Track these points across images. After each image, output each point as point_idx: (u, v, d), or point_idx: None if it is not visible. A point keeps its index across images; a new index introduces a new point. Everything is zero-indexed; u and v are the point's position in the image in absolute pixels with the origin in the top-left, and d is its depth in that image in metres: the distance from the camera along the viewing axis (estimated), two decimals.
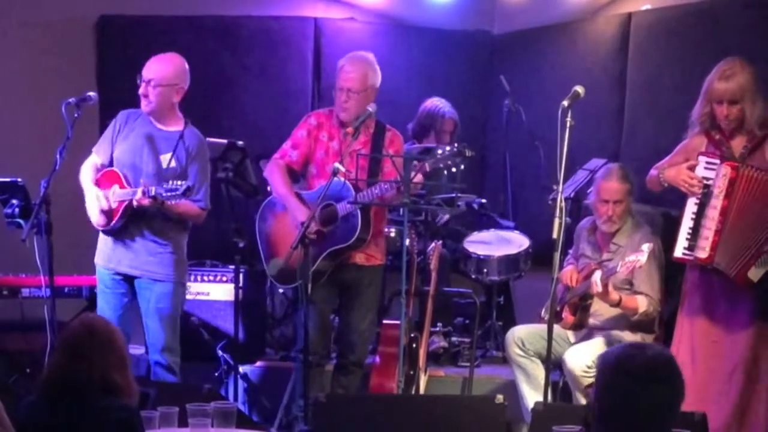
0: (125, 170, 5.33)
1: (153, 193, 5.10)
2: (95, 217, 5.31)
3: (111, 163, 5.42)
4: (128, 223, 5.30)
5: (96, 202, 5.29)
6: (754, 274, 4.68)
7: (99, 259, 5.44)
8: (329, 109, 5.57)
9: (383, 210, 5.45)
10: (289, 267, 5.21)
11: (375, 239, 5.40)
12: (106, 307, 5.39)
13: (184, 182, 5.05)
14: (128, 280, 5.40)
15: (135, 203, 5.15)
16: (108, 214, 5.28)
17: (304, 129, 5.49)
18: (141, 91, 5.32)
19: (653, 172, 4.99)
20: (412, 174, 4.99)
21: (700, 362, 4.84)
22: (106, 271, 5.41)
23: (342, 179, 5.17)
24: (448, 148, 5.02)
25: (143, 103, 5.34)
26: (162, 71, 5.31)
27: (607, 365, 2.81)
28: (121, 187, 5.27)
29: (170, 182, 5.10)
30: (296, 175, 5.55)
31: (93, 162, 5.46)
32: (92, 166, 5.45)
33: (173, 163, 5.31)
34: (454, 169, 4.95)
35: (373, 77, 5.42)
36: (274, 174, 5.44)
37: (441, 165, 4.98)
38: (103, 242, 5.42)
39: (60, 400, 3.28)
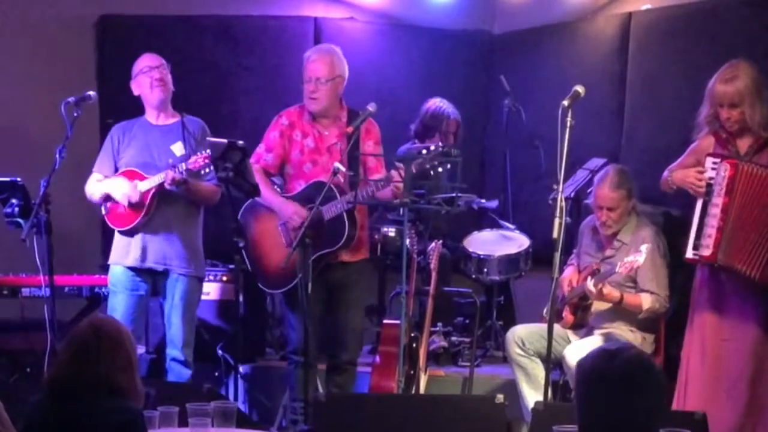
0: (141, 170, 5.42)
1: (185, 169, 5.21)
2: (124, 195, 5.33)
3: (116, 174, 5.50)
4: (153, 217, 5.37)
5: (124, 186, 5.33)
6: None
7: (118, 257, 5.49)
8: (299, 105, 5.53)
9: (364, 206, 5.44)
10: (281, 270, 5.21)
11: (359, 235, 5.39)
12: (120, 309, 5.42)
13: (206, 151, 5.18)
14: (151, 276, 5.44)
15: (168, 183, 5.24)
16: (136, 206, 5.35)
17: (276, 130, 5.45)
18: (157, 76, 5.45)
19: (665, 174, 5.01)
20: (397, 176, 4.99)
21: (710, 361, 4.85)
22: (125, 270, 5.46)
23: (342, 180, 5.17)
24: (432, 147, 4.99)
25: (159, 90, 5.46)
26: (162, 60, 5.53)
27: (583, 375, 2.75)
28: (142, 180, 5.34)
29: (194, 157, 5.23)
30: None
31: (96, 178, 5.54)
32: (97, 180, 5.53)
33: (185, 150, 5.41)
34: (440, 170, 4.93)
35: (340, 66, 5.39)
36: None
37: (428, 166, 4.96)
38: (124, 240, 5.46)
39: (64, 401, 3.27)
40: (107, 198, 5.45)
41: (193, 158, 5.24)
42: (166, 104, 5.55)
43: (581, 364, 2.78)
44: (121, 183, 5.39)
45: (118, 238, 5.50)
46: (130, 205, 5.36)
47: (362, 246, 5.48)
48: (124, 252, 5.46)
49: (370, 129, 5.43)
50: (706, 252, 4.73)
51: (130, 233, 5.44)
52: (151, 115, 5.57)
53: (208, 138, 5.44)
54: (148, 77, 5.46)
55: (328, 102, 5.37)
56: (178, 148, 5.45)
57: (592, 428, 2.72)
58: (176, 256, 5.44)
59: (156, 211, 5.39)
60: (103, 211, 5.51)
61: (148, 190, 5.34)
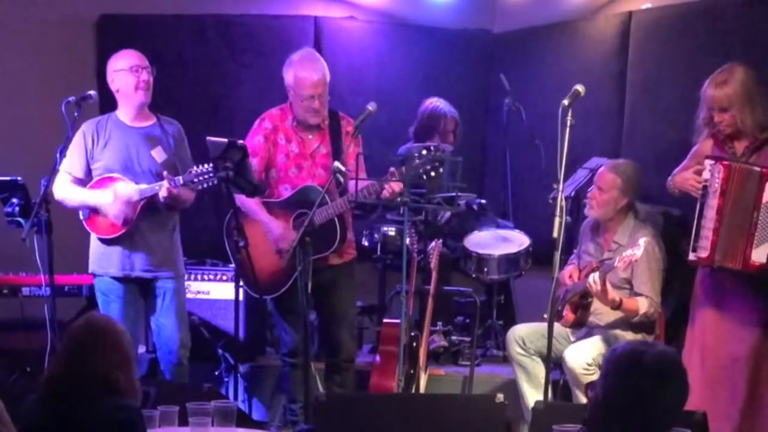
0: (121, 175, 5.31)
1: (182, 183, 5.13)
2: (122, 215, 5.23)
3: (88, 176, 5.38)
4: (137, 225, 5.30)
5: (120, 199, 5.22)
6: (758, 255, 4.66)
7: (101, 267, 5.38)
8: (280, 108, 5.50)
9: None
10: (273, 276, 5.20)
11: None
12: (116, 318, 5.30)
13: (207, 165, 5.11)
14: (140, 283, 5.39)
15: (163, 196, 5.16)
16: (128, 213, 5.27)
17: (260, 134, 5.42)
18: (145, 78, 5.33)
19: (668, 179, 5.02)
20: (388, 183, 5.01)
21: (710, 361, 4.85)
22: (113, 281, 5.36)
23: (342, 180, 5.17)
24: (424, 152, 4.98)
25: (143, 93, 5.33)
26: (147, 61, 5.39)
27: (616, 358, 2.81)
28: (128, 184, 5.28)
29: (194, 168, 5.15)
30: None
31: (67, 179, 5.37)
32: (68, 182, 5.37)
33: (165, 155, 5.34)
34: (433, 174, 4.93)
35: (327, 71, 5.38)
36: None
37: (420, 170, 4.95)
38: (104, 249, 5.36)
39: (62, 400, 3.28)
40: (90, 208, 5.32)
41: (197, 170, 5.14)
42: (145, 107, 5.42)
43: (617, 348, 2.87)
44: (112, 200, 5.23)
45: (97, 246, 5.37)
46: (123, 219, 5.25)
47: (350, 246, 5.48)
48: (107, 261, 5.34)
49: (349, 130, 5.40)
50: (704, 254, 4.74)
51: (111, 242, 5.33)
52: (125, 115, 5.41)
53: (208, 138, 5.41)
54: (135, 77, 5.32)
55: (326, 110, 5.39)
56: (158, 154, 5.35)
57: (612, 410, 2.77)
58: (162, 261, 5.35)
59: (139, 219, 5.29)
60: (81, 216, 5.37)
61: (137, 202, 5.24)
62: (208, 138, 5.42)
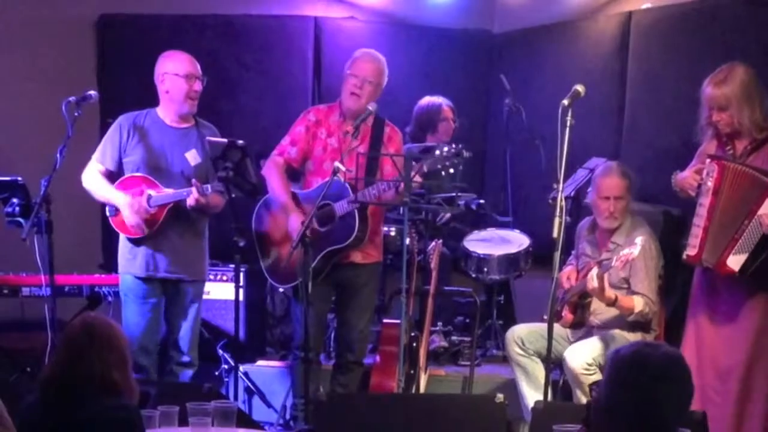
0: (151, 174, 5.33)
1: (210, 191, 5.17)
2: (135, 224, 5.26)
3: (119, 169, 5.41)
4: (164, 227, 5.31)
5: (135, 209, 5.25)
6: (734, 261, 4.67)
7: (127, 267, 5.39)
8: (329, 105, 5.57)
9: (381, 209, 5.46)
10: (288, 266, 5.23)
11: (372, 238, 5.40)
12: (135, 319, 5.34)
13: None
14: (163, 284, 5.40)
15: (191, 203, 5.18)
16: (149, 220, 5.28)
17: (302, 125, 5.49)
18: (197, 89, 5.37)
19: (672, 177, 5.02)
20: (411, 174, 5.00)
21: (703, 361, 4.84)
22: (138, 281, 5.36)
23: (342, 179, 5.17)
24: (446, 148, 4.98)
25: (191, 105, 5.39)
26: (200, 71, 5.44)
27: (621, 361, 2.80)
28: (158, 191, 5.28)
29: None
30: (295, 173, 5.56)
31: (97, 168, 5.43)
32: (98, 172, 5.42)
33: (199, 159, 5.35)
34: (452, 170, 4.93)
35: (385, 76, 5.45)
36: (272, 174, 5.44)
37: (439, 166, 4.96)
38: (130, 248, 5.37)
39: (60, 400, 3.28)
40: (113, 206, 5.35)
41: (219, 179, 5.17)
42: (189, 115, 5.46)
43: (620, 349, 2.84)
44: (132, 202, 5.26)
45: (124, 245, 5.40)
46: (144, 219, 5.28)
47: (375, 249, 5.49)
48: (133, 261, 5.36)
49: (392, 136, 5.47)
50: (692, 252, 4.76)
51: (137, 242, 5.36)
52: (165, 115, 5.44)
53: (207, 138, 5.42)
54: (188, 86, 5.35)
55: (366, 103, 5.40)
56: (192, 157, 5.38)
57: (616, 412, 2.75)
58: (187, 263, 5.39)
59: (166, 222, 5.31)
60: (108, 213, 5.41)
61: (165, 205, 5.27)
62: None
